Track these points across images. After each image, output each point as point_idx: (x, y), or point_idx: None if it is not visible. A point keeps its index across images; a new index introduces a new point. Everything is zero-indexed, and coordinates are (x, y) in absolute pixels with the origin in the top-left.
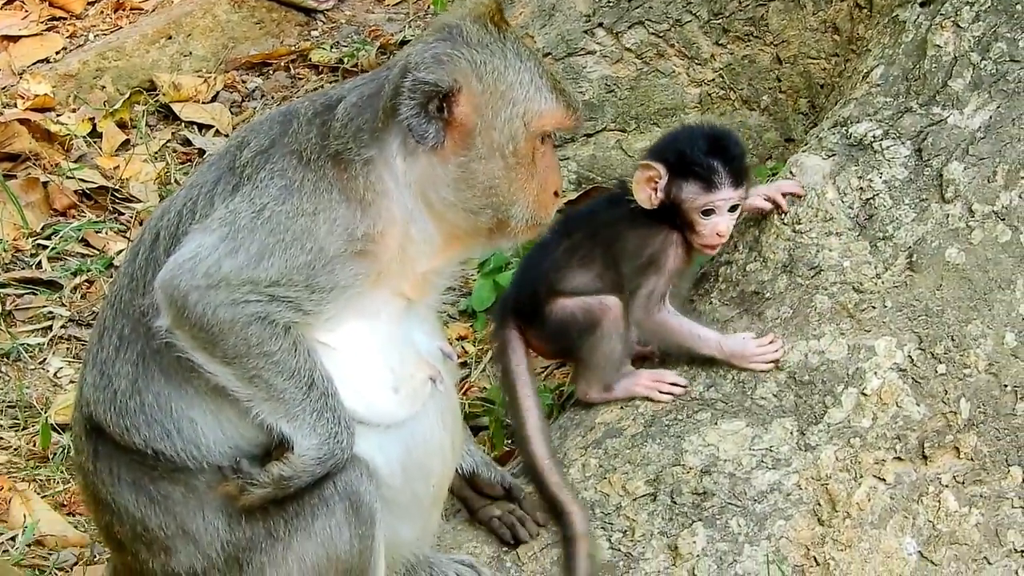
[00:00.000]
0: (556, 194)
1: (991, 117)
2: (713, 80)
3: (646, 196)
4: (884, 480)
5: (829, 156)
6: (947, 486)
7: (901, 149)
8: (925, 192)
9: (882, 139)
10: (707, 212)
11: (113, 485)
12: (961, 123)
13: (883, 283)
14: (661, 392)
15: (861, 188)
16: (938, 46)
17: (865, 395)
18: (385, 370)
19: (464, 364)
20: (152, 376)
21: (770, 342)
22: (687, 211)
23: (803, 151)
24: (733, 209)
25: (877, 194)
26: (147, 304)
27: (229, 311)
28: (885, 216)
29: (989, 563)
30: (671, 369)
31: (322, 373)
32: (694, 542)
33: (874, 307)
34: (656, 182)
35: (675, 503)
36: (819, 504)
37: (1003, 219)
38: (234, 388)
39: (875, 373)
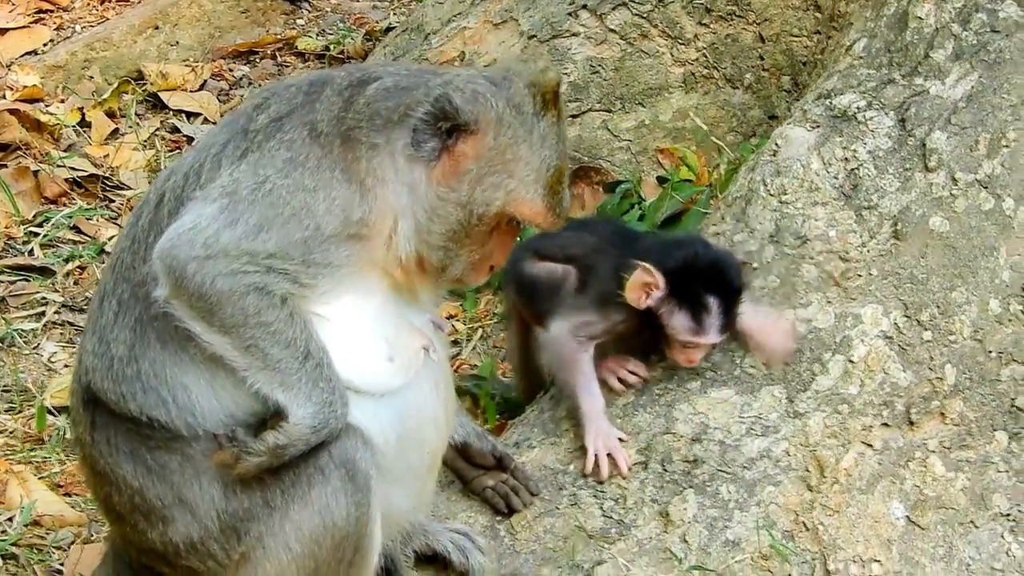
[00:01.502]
0: (492, 268)
1: (973, 87)
2: (697, 59)
3: (636, 297)
4: (871, 446)
5: (814, 128)
6: (934, 451)
7: (884, 120)
8: (909, 162)
9: (866, 110)
10: (688, 344)
11: (111, 456)
12: (943, 93)
13: (868, 252)
14: (619, 378)
15: (846, 159)
16: (919, 18)
17: (852, 362)
18: (380, 341)
19: (455, 342)
20: (149, 343)
21: (623, 461)
22: (670, 334)
23: (788, 123)
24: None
25: (861, 164)
26: (146, 271)
27: (227, 281)
28: (870, 186)
29: (976, 527)
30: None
31: (317, 343)
32: (685, 509)
33: (860, 275)
34: (651, 291)
35: (666, 471)
36: (808, 470)
37: (986, 187)
38: (231, 357)
39: (862, 340)
